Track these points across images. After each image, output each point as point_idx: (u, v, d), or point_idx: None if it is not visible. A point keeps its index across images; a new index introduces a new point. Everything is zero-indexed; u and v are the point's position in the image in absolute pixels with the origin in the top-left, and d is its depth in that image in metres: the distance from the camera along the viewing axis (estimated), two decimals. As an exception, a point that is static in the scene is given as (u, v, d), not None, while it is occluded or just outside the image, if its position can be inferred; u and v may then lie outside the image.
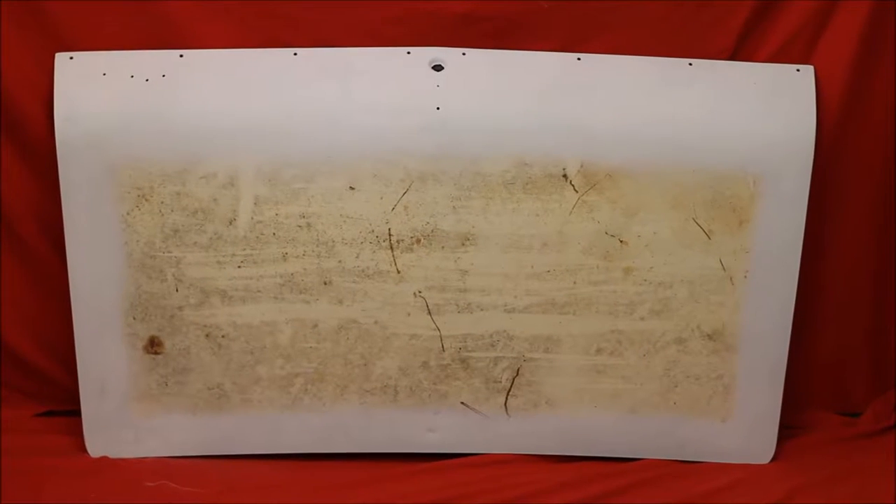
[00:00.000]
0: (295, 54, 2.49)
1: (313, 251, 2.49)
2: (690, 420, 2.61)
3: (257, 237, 2.48)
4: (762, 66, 2.54)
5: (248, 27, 2.54)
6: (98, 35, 2.53)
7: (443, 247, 2.50)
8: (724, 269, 2.53)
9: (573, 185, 2.48)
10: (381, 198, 2.47)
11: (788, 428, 2.69)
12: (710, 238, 2.51)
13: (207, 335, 2.53)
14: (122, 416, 2.57)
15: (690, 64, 2.52)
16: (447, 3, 2.53)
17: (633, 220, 2.50)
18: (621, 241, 2.51)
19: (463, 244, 2.50)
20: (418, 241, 2.50)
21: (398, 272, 2.51)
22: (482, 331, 2.55)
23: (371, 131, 2.45)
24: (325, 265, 2.50)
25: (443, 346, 2.56)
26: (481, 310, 2.54)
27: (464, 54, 2.49)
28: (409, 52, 2.49)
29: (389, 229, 2.49)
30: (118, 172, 2.45)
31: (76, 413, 2.60)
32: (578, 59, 2.51)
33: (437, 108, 2.45)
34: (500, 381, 2.58)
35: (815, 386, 2.79)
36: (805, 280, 2.57)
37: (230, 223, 2.48)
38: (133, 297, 2.51)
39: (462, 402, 2.60)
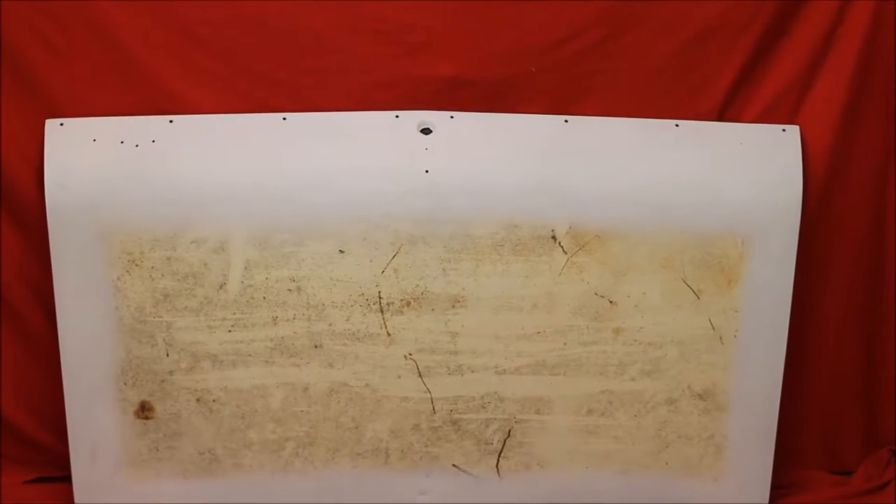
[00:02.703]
0: (284, 119, 2.50)
1: (303, 315, 2.50)
2: (682, 480, 2.61)
3: (248, 301, 2.49)
4: (748, 127, 2.56)
5: (238, 92, 2.56)
6: (88, 101, 2.54)
7: (433, 309, 2.50)
8: (713, 328, 2.53)
9: (562, 247, 2.49)
10: (371, 261, 2.48)
11: (780, 487, 2.69)
12: (699, 298, 2.52)
13: (198, 399, 2.53)
14: (114, 482, 2.56)
15: (677, 125, 2.53)
16: (436, 67, 2.54)
17: (623, 281, 2.51)
18: (611, 302, 2.52)
19: (453, 306, 2.51)
20: (408, 303, 2.50)
21: (388, 335, 2.51)
22: (473, 393, 2.55)
23: (360, 195, 2.46)
24: (315, 328, 2.50)
25: (434, 409, 2.56)
26: (472, 372, 2.54)
27: (452, 118, 2.51)
28: (397, 116, 2.50)
29: (379, 292, 2.50)
30: (108, 238, 2.45)
31: (67, 479, 2.59)
32: (566, 121, 2.53)
33: (426, 172, 2.47)
34: (492, 443, 2.58)
35: (806, 445, 2.79)
36: (795, 338, 2.58)
37: (220, 287, 2.48)
38: (124, 362, 2.51)
39: (454, 465, 2.59)
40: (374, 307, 2.50)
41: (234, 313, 2.49)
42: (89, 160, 2.46)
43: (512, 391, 2.55)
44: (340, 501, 2.59)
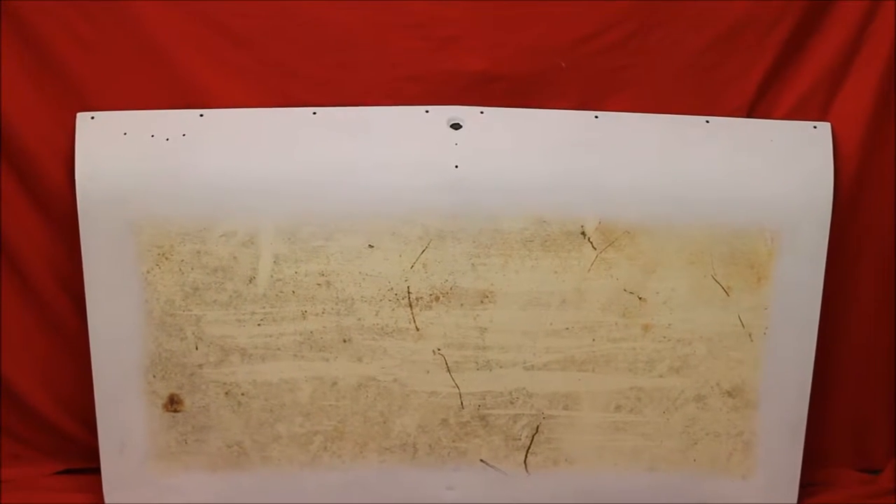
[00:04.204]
0: (314, 113, 2.50)
1: (332, 309, 2.50)
2: (711, 477, 2.60)
3: (277, 295, 2.49)
4: (779, 124, 2.56)
5: (268, 87, 2.56)
6: (119, 95, 2.55)
7: (462, 304, 2.50)
8: (742, 325, 2.53)
9: (591, 243, 2.49)
10: (400, 255, 2.48)
11: (809, 485, 2.68)
12: (728, 294, 2.51)
13: (227, 393, 2.54)
14: (142, 474, 2.57)
15: (708, 121, 2.53)
16: (465, 62, 2.55)
17: (652, 277, 2.51)
18: (640, 298, 2.51)
19: (482, 301, 2.51)
20: (437, 298, 2.50)
21: (417, 329, 2.51)
22: (501, 388, 2.55)
23: (390, 189, 2.46)
24: (344, 323, 2.51)
25: (462, 404, 2.56)
26: (500, 367, 2.54)
27: (482, 113, 2.51)
28: (427, 111, 2.50)
29: (408, 287, 2.50)
30: (139, 231, 2.46)
31: (95, 471, 2.60)
32: (596, 117, 2.52)
33: (456, 167, 2.47)
34: (520, 439, 2.58)
35: (835, 443, 2.78)
36: (824, 336, 2.57)
37: (250, 281, 2.49)
38: (153, 355, 2.51)
39: (481, 460, 2.59)
40: (402, 302, 2.50)
41: (264, 307, 2.50)
42: (120, 153, 2.47)
43: (540, 387, 2.55)
44: (368, 495, 2.59)
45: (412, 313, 2.51)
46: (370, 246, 2.48)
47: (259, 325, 2.50)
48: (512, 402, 2.56)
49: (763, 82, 2.59)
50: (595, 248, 2.49)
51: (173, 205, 2.46)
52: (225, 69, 2.56)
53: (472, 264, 2.49)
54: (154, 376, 2.53)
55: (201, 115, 2.50)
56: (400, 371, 2.53)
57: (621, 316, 2.52)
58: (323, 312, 2.50)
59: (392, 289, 2.50)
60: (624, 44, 2.57)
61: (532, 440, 2.58)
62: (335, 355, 2.52)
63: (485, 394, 2.55)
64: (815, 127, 2.54)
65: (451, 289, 2.50)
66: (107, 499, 2.57)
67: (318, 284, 2.49)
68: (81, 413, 2.67)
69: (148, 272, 2.48)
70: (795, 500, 2.61)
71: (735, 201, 2.49)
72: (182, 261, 2.48)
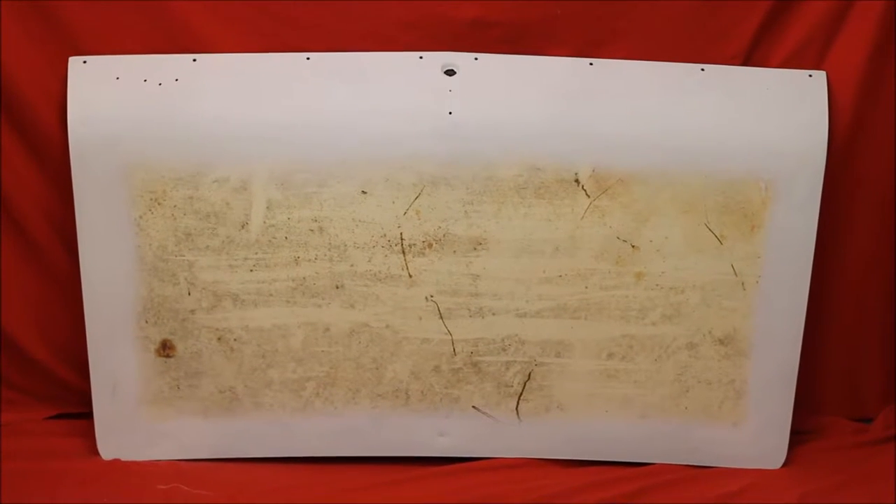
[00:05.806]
0: (308, 59, 2.49)
1: (325, 255, 2.50)
2: (702, 425, 2.61)
3: (269, 241, 2.49)
4: (774, 72, 2.55)
5: (262, 32, 2.55)
6: (111, 39, 2.54)
7: (455, 251, 2.50)
8: (735, 274, 2.53)
9: (585, 190, 2.48)
10: (394, 202, 2.48)
11: (800, 433, 2.69)
12: (721, 243, 2.51)
13: (219, 338, 2.54)
14: (134, 419, 2.57)
15: (703, 69, 2.52)
16: (460, 8, 2.53)
17: (645, 226, 2.50)
18: (633, 246, 2.51)
19: (475, 249, 2.51)
20: (430, 245, 2.50)
21: (410, 276, 2.51)
22: (494, 335, 2.55)
23: (383, 136, 2.46)
24: (337, 269, 2.51)
25: (454, 351, 2.56)
26: (493, 314, 2.54)
27: (476, 59, 2.50)
28: (421, 57, 2.49)
29: (401, 234, 2.50)
30: (131, 176, 2.46)
31: (88, 416, 2.61)
32: (591, 64, 2.51)
33: (450, 113, 2.46)
34: (512, 386, 2.58)
35: (826, 391, 2.79)
36: (817, 285, 2.57)
37: (242, 227, 2.49)
38: (146, 301, 2.51)
39: (473, 407, 2.60)
40: (395, 248, 2.50)
41: (256, 253, 2.50)
42: (112, 98, 2.46)
43: (532, 334, 2.55)
44: (360, 441, 2.60)
45: (405, 260, 2.51)
46: (363, 192, 2.47)
47: (252, 270, 2.50)
48: (504, 350, 2.56)
49: (759, 30, 2.58)
50: (589, 196, 2.49)
51: (166, 150, 2.46)
52: (219, 14, 2.55)
53: (466, 211, 2.49)
54: (146, 322, 2.53)
55: (194, 60, 2.49)
56: (392, 318, 2.53)
57: (614, 264, 2.52)
58: (316, 259, 2.50)
59: (385, 235, 2.50)
60: (619, -9, 2.56)
61: (524, 387, 2.59)
62: (328, 301, 2.52)
63: (477, 341, 2.56)
64: (810, 75, 2.53)
65: (444, 236, 2.50)
66: (99, 443, 2.58)
67: (311, 230, 2.49)
68: (75, 358, 2.67)
69: (140, 217, 2.47)
70: (786, 449, 2.62)
71: (729, 149, 2.48)
72: (175, 206, 2.47)
